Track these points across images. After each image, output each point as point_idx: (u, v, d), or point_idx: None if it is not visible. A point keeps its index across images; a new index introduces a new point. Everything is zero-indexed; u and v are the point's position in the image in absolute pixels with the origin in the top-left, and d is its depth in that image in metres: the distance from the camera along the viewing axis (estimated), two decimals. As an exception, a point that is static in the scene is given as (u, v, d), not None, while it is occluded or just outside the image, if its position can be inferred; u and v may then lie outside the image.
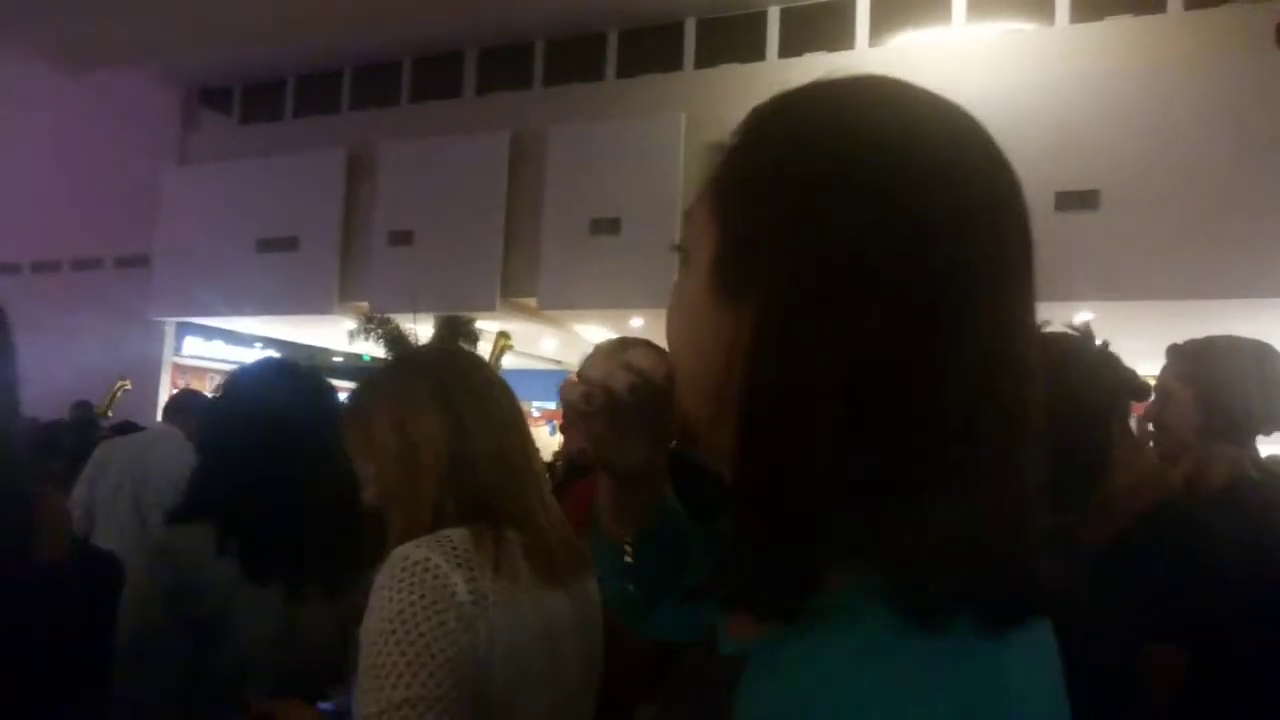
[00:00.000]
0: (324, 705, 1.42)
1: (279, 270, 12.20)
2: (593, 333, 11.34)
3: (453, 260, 11.02)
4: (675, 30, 11.14)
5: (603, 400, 0.77)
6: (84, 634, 1.38)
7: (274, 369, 1.99)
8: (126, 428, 5.52)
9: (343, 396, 1.73)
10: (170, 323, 13.55)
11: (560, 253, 10.64)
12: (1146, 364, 1.78)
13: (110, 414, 7.76)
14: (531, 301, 11.06)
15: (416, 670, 1.09)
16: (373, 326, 9.57)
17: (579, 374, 0.88)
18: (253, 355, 12.74)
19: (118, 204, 13.51)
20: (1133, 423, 1.73)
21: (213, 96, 13.93)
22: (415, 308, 8.35)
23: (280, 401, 1.79)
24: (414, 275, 10.96)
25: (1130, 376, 1.57)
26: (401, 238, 11.54)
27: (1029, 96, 8.54)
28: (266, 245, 12.36)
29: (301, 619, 1.67)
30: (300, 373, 1.95)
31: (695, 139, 10.26)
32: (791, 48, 10.53)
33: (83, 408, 7.27)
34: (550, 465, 5.55)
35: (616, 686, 1.41)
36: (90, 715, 1.35)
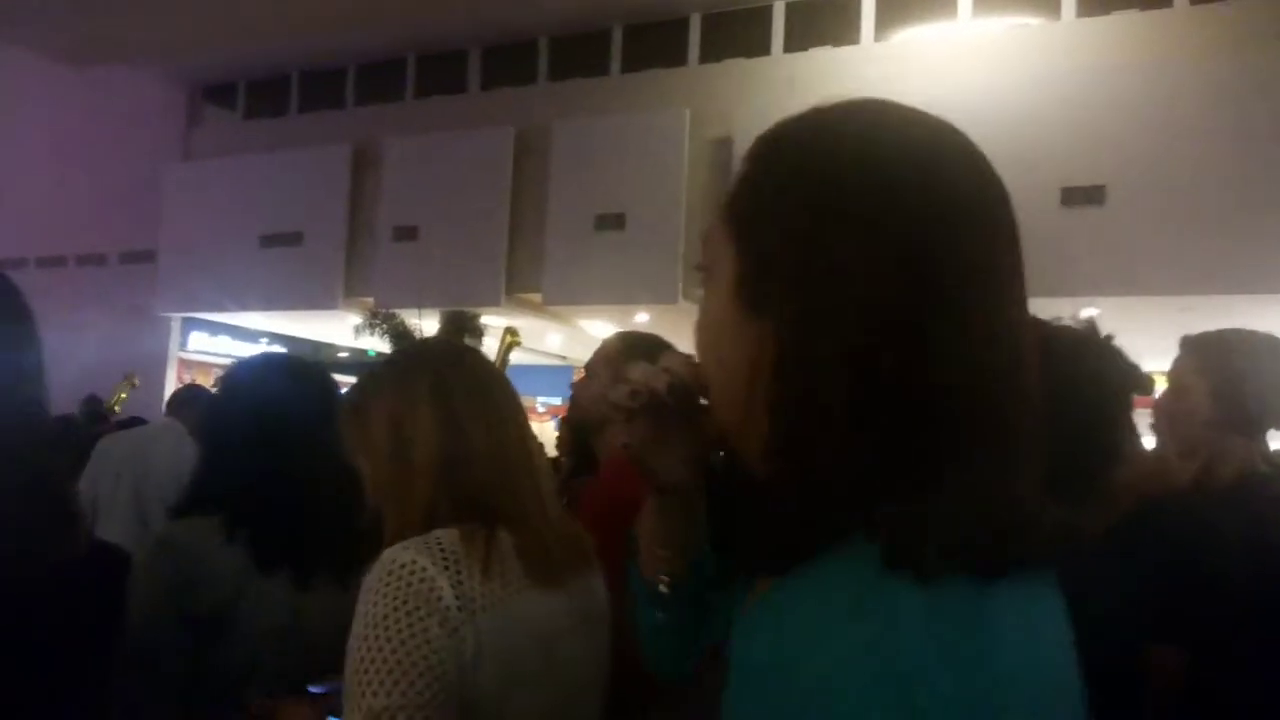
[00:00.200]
0: (315, 688, 1.41)
1: (284, 265, 12.21)
2: (598, 328, 11.33)
3: (457, 256, 11.03)
4: (680, 25, 11.12)
5: (646, 398, 0.80)
6: (94, 628, 1.38)
7: (273, 363, 2.00)
8: (133, 423, 5.54)
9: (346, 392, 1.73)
10: (176, 318, 13.57)
11: (565, 248, 10.64)
12: (1153, 360, 1.77)
13: (119, 410, 7.77)
14: (536, 297, 11.06)
15: (397, 678, 1.07)
16: (378, 322, 9.57)
17: (615, 374, 0.90)
18: (258, 350, 12.75)
19: (123, 200, 13.52)
20: (1139, 418, 1.72)
21: (217, 92, 13.94)
22: (420, 303, 8.35)
23: (280, 394, 1.79)
24: (419, 271, 10.97)
25: (1134, 371, 1.57)
26: (406, 233, 11.55)
27: (1035, 92, 8.52)
28: (271, 241, 12.37)
29: (308, 611, 1.67)
30: (300, 366, 1.95)
31: (700, 134, 10.25)
32: (797, 42, 10.50)
33: (92, 403, 7.30)
34: (555, 461, 5.56)
35: (627, 686, 1.39)
36: (92, 712, 1.35)
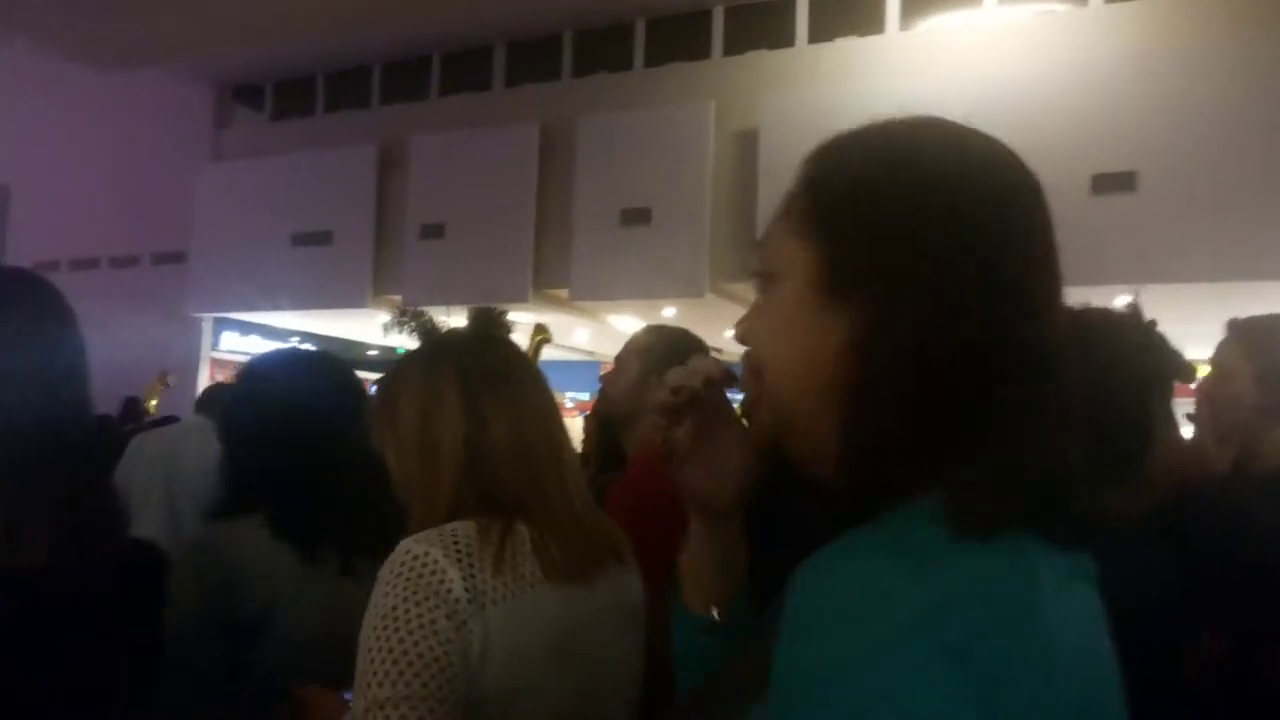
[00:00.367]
0: (349, 695, 1.43)
1: (313, 265, 12.29)
2: (625, 323, 11.34)
3: (484, 252, 11.06)
4: (703, 18, 11.08)
5: (687, 396, 0.85)
6: (135, 624, 1.40)
7: (290, 357, 2.01)
8: (167, 422, 5.60)
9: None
10: (207, 318, 13.69)
11: (591, 243, 10.64)
12: (1189, 347, 1.75)
13: (154, 410, 7.88)
14: (563, 293, 11.07)
15: (402, 669, 1.07)
16: (406, 320, 9.56)
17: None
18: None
19: (154, 201, 13.66)
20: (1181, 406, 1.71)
21: (245, 94, 14.04)
22: (448, 300, 8.38)
23: (306, 389, 1.80)
24: (446, 268, 11.01)
25: (1175, 357, 1.55)
26: (433, 231, 11.59)
27: (1063, 79, 8.43)
28: (301, 240, 12.46)
29: (347, 611, 1.68)
30: (321, 360, 1.96)
31: (725, 126, 10.21)
32: (821, 33, 10.43)
33: (133, 404, 7.41)
34: (584, 457, 5.56)
35: (663, 685, 1.39)
36: (135, 711, 1.37)
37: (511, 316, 1.49)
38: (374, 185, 12.23)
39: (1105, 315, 1.54)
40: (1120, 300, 1.70)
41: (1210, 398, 2.00)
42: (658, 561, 1.11)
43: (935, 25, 9.96)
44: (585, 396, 14.72)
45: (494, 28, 11.88)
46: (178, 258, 13.51)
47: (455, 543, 1.16)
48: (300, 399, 1.78)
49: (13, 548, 1.16)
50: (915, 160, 0.74)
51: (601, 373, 2.59)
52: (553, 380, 1.42)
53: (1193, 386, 1.91)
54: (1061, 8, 9.55)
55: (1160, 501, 1.54)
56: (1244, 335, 1.98)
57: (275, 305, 12.51)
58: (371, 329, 13.26)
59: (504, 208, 11.17)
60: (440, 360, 1.34)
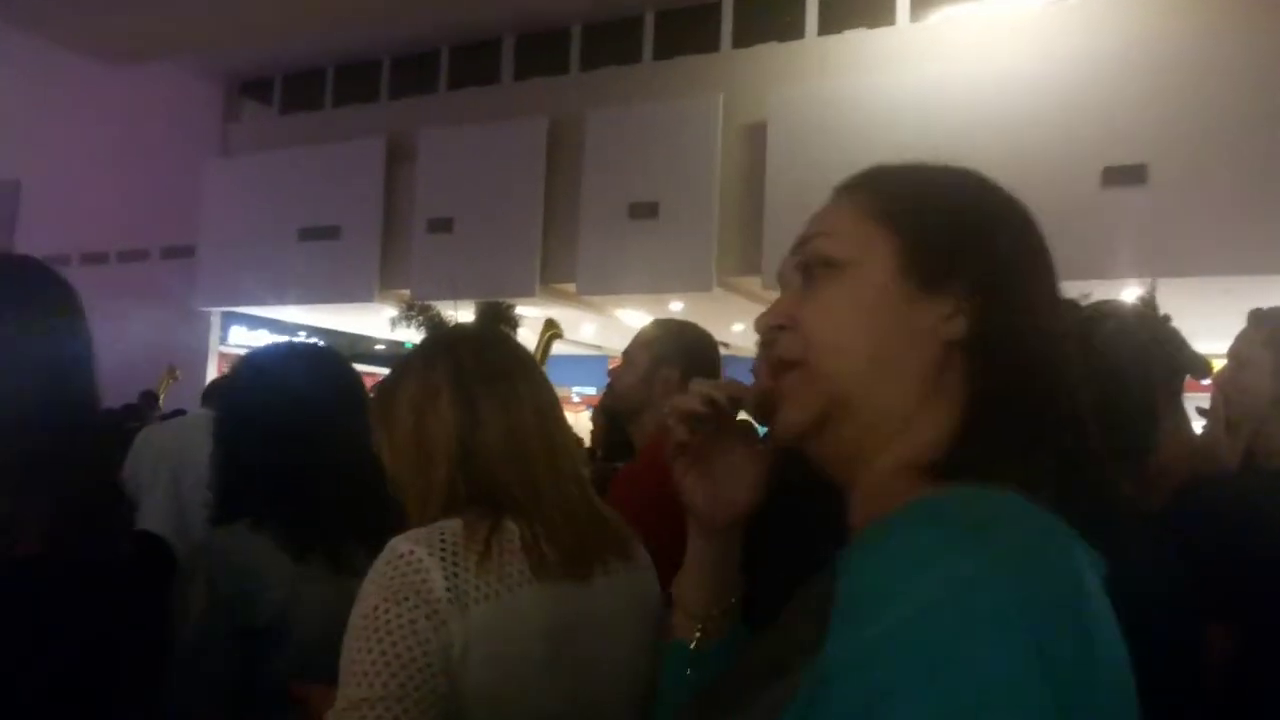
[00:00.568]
0: None
1: (321, 259, 12.32)
2: (632, 317, 11.33)
3: (492, 246, 11.06)
4: (712, 10, 11.06)
5: (713, 410, 0.86)
6: (143, 616, 1.40)
7: (286, 351, 1.97)
8: (174, 415, 5.63)
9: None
10: (216, 312, 13.74)
11: (599, 237, 10.64)
12: (1199, 342, 1.74)
13: (162, 404, 7.92)
14: (571, 287, 11.07)
15: (380, 669, 1.06)
16: (413, 314, 9.57)
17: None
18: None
19: (163, 196, 13.71)
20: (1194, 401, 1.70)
21: (254, 88, 14.07)
22: (455, 295, 8.37)
23: (297, 382, 1.77)
24: (454, 262, 11.01)
25: (1186, 352, 1.54)
26: (441, 225, 11.60)
27: (1073, 70, 8.39)
28: (309, 234, 12.48)
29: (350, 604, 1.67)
30: (314, 352, 1.93)
31: (734, 120, 10.19)
32: (831, 25, 10.39)
33: (147, 397, 7.46)
34: (591, 452, 5.56)
35: None
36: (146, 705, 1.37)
37: (519, 311, 1.48)
38: (382, 179, 12.25)
39: (1115, 309, 1.53)
40: (1129, 293, 1.69)
41: (1225, 387, 1.99)
42: (671, 561, 1.09)
43: (946, 17, 9.92)
44: (592, 391, 14.73)
45: (502, 21, 11.88)
46: (187, 252, 13.56)
47: (442, 541, 1.14)
48: (296, 395, 1.76)
49: (9, 537, 1.16)
50: (964, 170, 0.81)
51: (610, 366, 2.60)
52: (559, 375, 1.41)
53: (1205, 382, 1.90)
54: None
55: (1169, 496, 1.53)
56: (1265, 324, 1.96)
57: (283, 299, 12.55)
58: (379, 323, 13.28)
59: (512, 202, 11.17)
60: (436, 357, 1.33)
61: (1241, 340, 2.00)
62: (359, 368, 2.05)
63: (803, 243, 0.82)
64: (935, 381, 0.75)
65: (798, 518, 1.04)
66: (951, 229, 0.77)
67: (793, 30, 10.61)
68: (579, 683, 1.20)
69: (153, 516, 3.59)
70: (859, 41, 10.08)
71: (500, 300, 1.46)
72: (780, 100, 9.59)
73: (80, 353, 1.32)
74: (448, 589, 1.11)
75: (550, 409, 1.34)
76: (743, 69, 10.61)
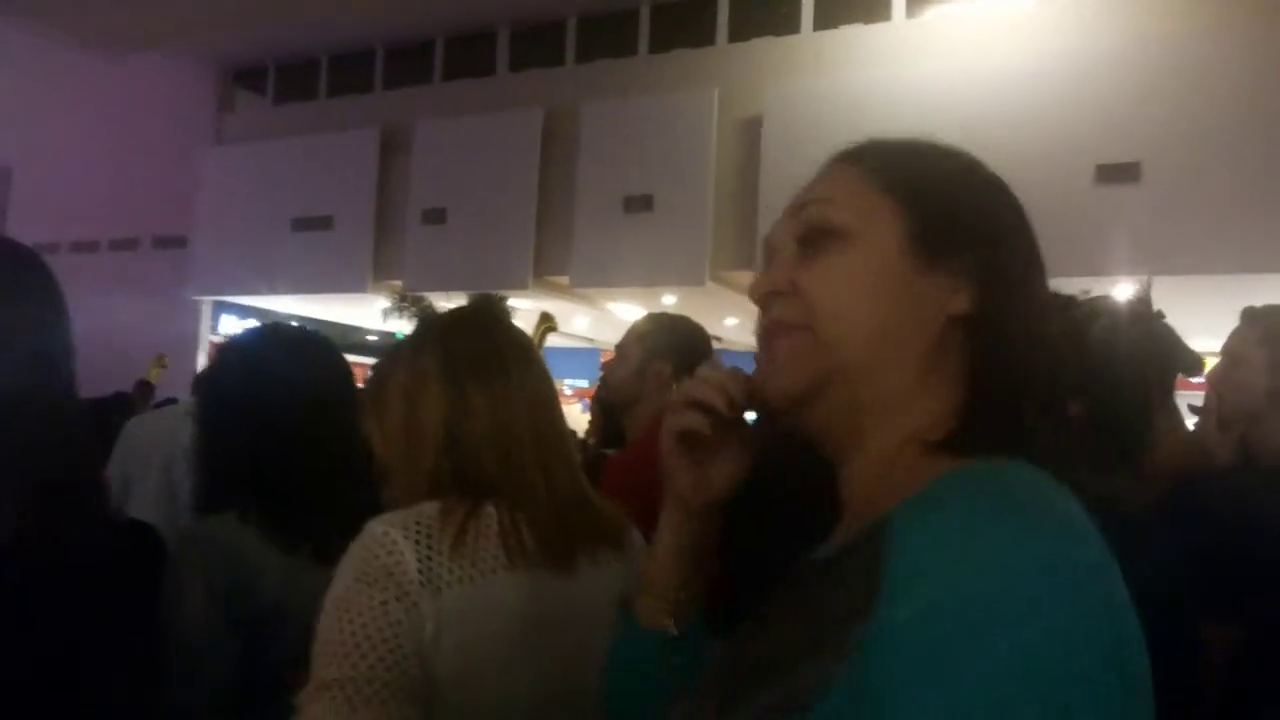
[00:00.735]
0: None
1: (314, 249, 12.29)
2: (625, 310, 11.33)
3: (486, 238, 11.05)
4: (708, 4, 11.04)
5: (726, 399, 0.84)
6: (128, 605, 1.38)
7: (269, 334, 1.93)
8: (167, 404, 5.61)
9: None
10: (206, 302, 13.69)
11: (593, 230, 10.63)
12: (1192, 340, 1.75)
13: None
14: (564, 279, 11.06)
15: (349, 651, 1.05)
16: (406, 305, 9.57)
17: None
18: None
19: (155, 185, 13.65)
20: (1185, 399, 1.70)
21: (248, 77, 14.01)
22: (448, 286, 8.37)
23: (281, 366, 1.74)
24: (447, 254, 11.00)
25: (1179, 349, 1.55)
26: (435, 216, 11.57)
27: (1067, 67, 8.40)
28: (301, 224, 12.45)
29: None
30: (298, 335, 1.89)
31: (729, 114, 10.18)
32: (826, 20, 10.38)
33: (142, 387, 7.44)
34: (582, 443, 5.56)
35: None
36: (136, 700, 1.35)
37: (512, 303, 1.47)
38: (375, 170, 12.21)
39: (1108, 306, 1.53)
40: (1121, 291, 1.69)
41: (1219, 384, 1.99)
42: None
43: (941, 13, 9.92)
44: (584, 384, 14.73)
45: (498, 12, 11.84)
46: (178, 241, 13.51)
47: (417, 524, 1.14)
48: (281, 380, 1.72)
49: None
50: (958, 150, 0.82)
51: (602, 360, 2.60)
52: (552, 367, 1.40)
53: (1197, 380, 1.90)
54: (1067, -3, 9.51)
55: (1162, 493, 1.53)
56: (1259, 321, 1.97)
57: (275, 290, 12.52)
58: (371, 314, 13.26)
59: (506, 194, 11.15)
60: (426, 345, 1.32)
61: (1235, 337, 2.01)
62: (352, 359, 2.02)
63: (800, 208, 0.81)
64: (936, 357, 0.75)
65: (775, 502, 1.04)
66: (957, 205, 0.77)
67: (788, 25, 10.60)
68: (561, 673, 1.19)
69: (144, 505, 3.58)
70: (854, 37, 10.08)
71: (493, 292, 1.46)
72: (776, 95, 9.58)
73: (60, 339, 1.29)
74: (420, 571, 1.10)
75: (542, 397, 1.32)
76: (738, 63, 10.60)
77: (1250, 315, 2.01)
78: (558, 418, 1.35)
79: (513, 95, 11.70)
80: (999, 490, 0.64)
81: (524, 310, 9.10)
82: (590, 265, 10.70)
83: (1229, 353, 2.00)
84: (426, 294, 1.49)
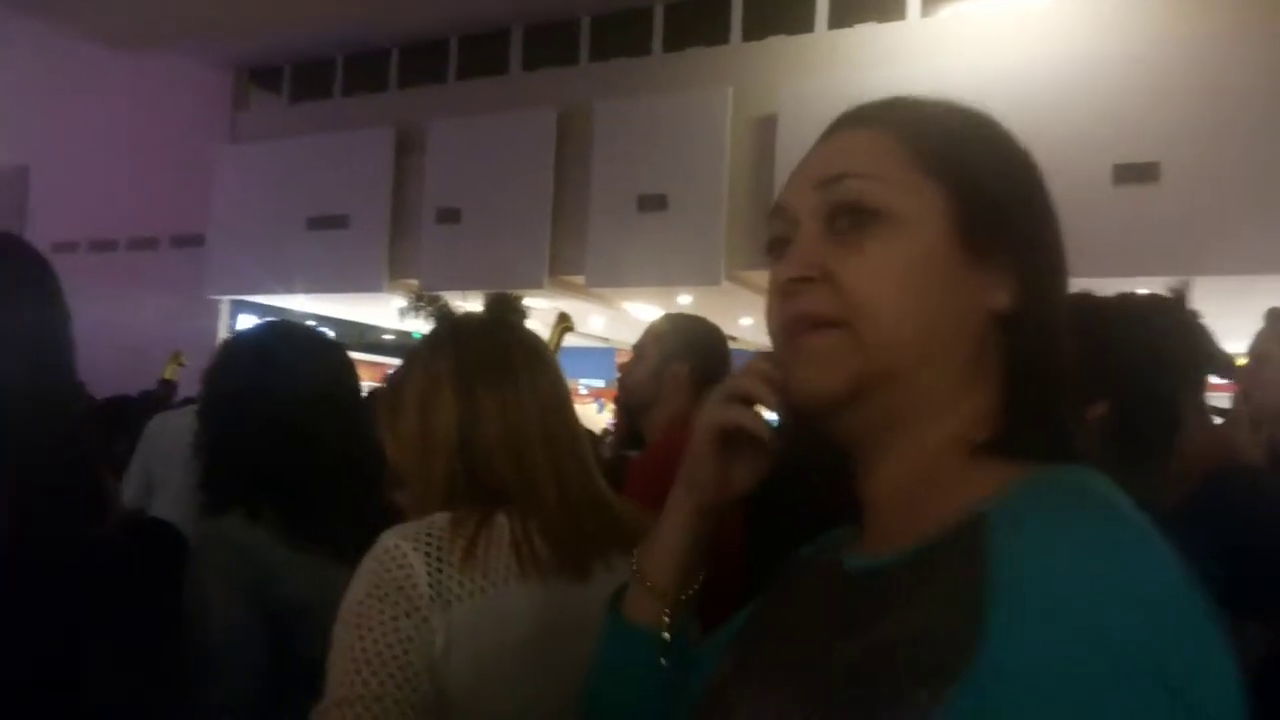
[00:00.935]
0: None
1: (330, 248, 12.32)
2: (641, 310, 11.32)
3: (500, 238, 11.05)
4: (722, 2, 11.02)
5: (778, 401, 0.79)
6: (143, 605, 1.37)
7: (274, 331, 1.91)
8: (187, 403, 5.64)
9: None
10: (224, 300, 13.75)
11: (608, 230, 10.62)
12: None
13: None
14: (579, 279, 11.05)
15: (359, 667, 1.05)
16: (422, 304, 9.57)
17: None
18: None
19: (172, 184, 13.72)
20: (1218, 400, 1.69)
21: (263, 76, 14.06)
22: (463, 286, 8.39)
23: (287, 363, 1.73)
24: (462, 253, 11.01)
25: (1210, 348, 1.53)
26: (450, 215, 11.59)
27: (1084, 66, 8.35)
28: (317, 223, 12.49)
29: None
30: (302, 332, 1.89)
31: (743, 113, 10.16)
32: (841, 18, 10.35)
33: (166, 386, 7.49)
34: (598, 441, 5.56)
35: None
36: (151, 692, 1.34)
37: (527, 302, 1.47)
38: (390, 169, 12.24)
39: (1137, 302, 1.52)
40: (1143, 290, 1.68)
41: (1245, 384, 1.98)
42: None
43: (957, 11, 9.87)
44: (600, 383, 14.74)
45: (511, 11, 11.85)
46: (195, 240, 13.58)
47: (428, 536, 1.13)
48: (287, 378, 1.72)
49: None
50: (990, 118, 0.76)
51: (618, 360, 2.59)
52: (567, 366, 1.40)
53: (1223, 382, 1.89)
54: (1085, -5, 9.45)
55: (1189, 492, 1.52)
56: None
57: (291, 288, 12.56)
58: (387, 313, 13.29)
59: (520, 193, 11.16)
60: (440, 349, 1.31)
61: (1261, 338, 2.00)
62: (368, 357, 2.01)
63: (831, 180, 0.73)
64: (976, 356, 0.70)
65: (794, 500, 1.03)
66: (1002, 193, 0.72)
67: (803, 23, 10.57)
68: (576, 682, 1.15)
69: (170, 504, 3.59)
70: (869, 35, 10.04)
71: (509, 292, 1.45)
72: (790, 93, 9.55)
73: (57, 334, 1.27)
74: (430, 585, 1.09)
75: (555, 400, 1.31)
76: (753, 62, 10.58)
77: (1275, 316, 2.00)
78: (571, 419, 1.33)
79: (527, 94, 11.71)
80: (1103, 505, 0.60)
81: (540, 310, 9.12)
82: (605, 264, 10.69)
83: (1256, 353, 1.99)
84: (442, 293, 1.49)
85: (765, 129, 9.78)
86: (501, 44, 12.28)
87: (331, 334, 1.93)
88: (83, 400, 1.32)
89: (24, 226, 14.40)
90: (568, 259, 11.03)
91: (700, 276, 10.11)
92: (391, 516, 1.23)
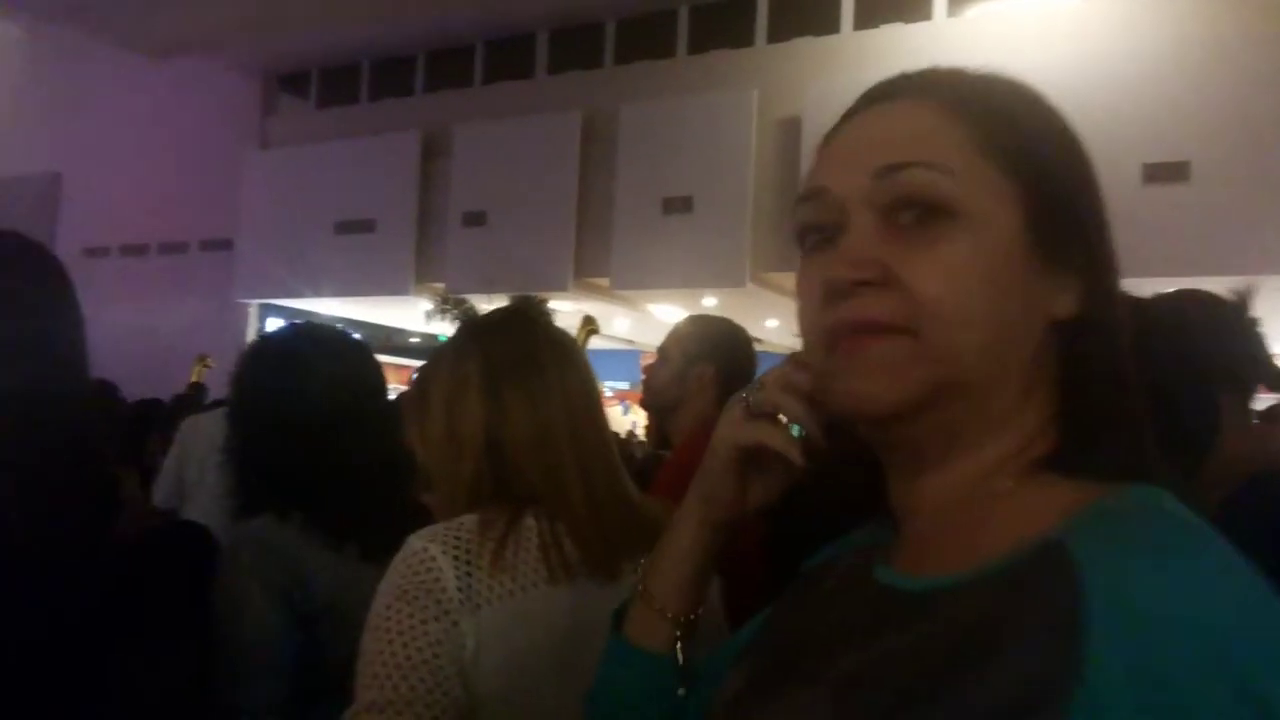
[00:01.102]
0: None
1: (357, 252, 12.40)
2: (666, 312, 11.32)
3: (526, 241, 11.09)
4: (747, 4, 11.00)
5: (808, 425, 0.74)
6: (174, 607, 1.37)
7: (301, 335, 1.91)
8: (216, 406, 5.68)
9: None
10: (253, 304, 13.86)
11: (633, 232, 10.63)
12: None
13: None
14: (604, 281, 11.07)
15: (390, 672, 1.04)
16: (448, 307, 9.60)
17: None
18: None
19: (202, 189, 13.86)
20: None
21: (291, 82, 14.18)
22: (489, 288, 8.41)
23: (315, 366, 1.73)
24: (488, 256, 11.05)
25: (1257, 353, 1.50)
26: (475, 219, 11.64)
27: (1113, 66, 8.27)
28: (345, 228, 12.57)
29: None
30: (329, 334, 1.88)
31: (768, 114, 10.14)
32: (866, 19, 10.32)
33: (195, 389, 7.57)
34: (624, 443, 5.56)
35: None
36: (182, 691, 1.34)
37: (552, 305, 1.46)
38: (416, 173, 12.30)
39: (1177, 298, 1.49)
40: (1158, 286, 1.65)
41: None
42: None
43: (983, 11, 9.81)
44: (625, 385, 14.74)
45: (537, 16, 11.89)
46: (225, 244, 13.70)
47: (457, 539, 1.12)
48: (315, 381, 1.71)
49: None
50: (1062, 113, 0.70)
51: (643, 362, 2.57)
52: (593, 368, 1.38)
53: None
54: (1113, -7, 9.36)
55: (1226, 496, 1.50)
56: None
57: (319, 292, 12.65)
58: (414, 316, 13.35)
59: (546, 196, 11.19)
60: (467, 348, 1.30)
61: None
62: (395, 360, 2.01)
63: (893, 169, 0.65)
64: (1037, 366, 0.65)
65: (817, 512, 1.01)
66: (1071, 187, 0.66)
67: (828, 24, 10.54)
68: None
69: (206, 506, 3.61)
70: (895, 36, 9.99)
71: (533, 294, 1.44)
72: (815, 95, 9.51)
73: (62, 332, 1.25)
74: (459, 589, 1.08)
75: (583, 400, 1.30)
76: (778, 63, 10.56)
77: None
78: (599, 418, 1.32)
79: (552, 98, 11.74)
80: (1191, 531, 0.56)
81: (565, 312, 9.12)
82: (630, 267, 10.70)
83: None
84: (468, 296, 1.49)
85: (790, 130, 9.75)
86: (527, 48, 12.32)
87: (358, 336, 1.92)
88: (95, 402, 1.31)
89: (56, 232, 14.60)
90: (593, 261, 11.04)
91: (725, 278, 10.10)
92: (421, 518, 1.23)
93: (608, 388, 14.91)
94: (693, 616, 0.82)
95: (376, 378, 1.86)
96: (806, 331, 0.69)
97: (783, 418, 0.73)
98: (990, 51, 9.06)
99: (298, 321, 2.11)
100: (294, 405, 1.70)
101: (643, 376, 2.55)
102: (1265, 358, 1.53)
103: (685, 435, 2.39)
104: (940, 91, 0.68)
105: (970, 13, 9.88)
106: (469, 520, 1.15)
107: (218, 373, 8.57)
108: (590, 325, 6.69)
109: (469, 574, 1.10)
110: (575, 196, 11.17)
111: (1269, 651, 0.49)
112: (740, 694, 0.72)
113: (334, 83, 13.77)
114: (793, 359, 0.74)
